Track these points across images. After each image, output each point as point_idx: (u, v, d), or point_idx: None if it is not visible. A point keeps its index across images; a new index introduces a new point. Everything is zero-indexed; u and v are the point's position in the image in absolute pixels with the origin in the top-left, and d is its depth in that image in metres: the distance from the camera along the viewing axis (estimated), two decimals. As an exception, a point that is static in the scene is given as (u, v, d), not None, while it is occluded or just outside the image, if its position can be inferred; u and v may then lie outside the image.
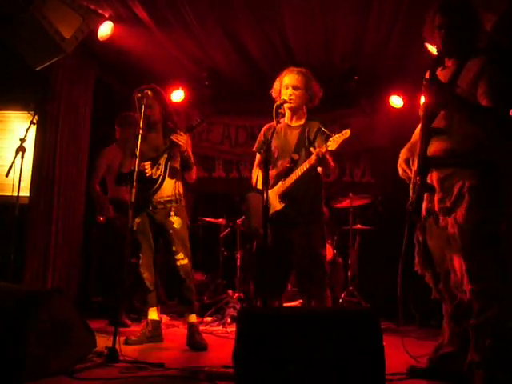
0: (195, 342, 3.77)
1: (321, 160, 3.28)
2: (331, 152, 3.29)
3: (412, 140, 3.03)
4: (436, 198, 2.68)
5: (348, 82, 6.32)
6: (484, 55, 2.61)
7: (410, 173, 2.87)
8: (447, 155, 2.62)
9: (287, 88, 3.56)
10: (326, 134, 3.53)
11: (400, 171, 2.95)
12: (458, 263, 2.57)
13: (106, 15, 4.79)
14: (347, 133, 3.28)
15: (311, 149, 3.41)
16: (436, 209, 2.69)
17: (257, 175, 3.81)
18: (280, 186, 3.51)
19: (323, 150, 3.27)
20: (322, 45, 5.76)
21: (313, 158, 3.31)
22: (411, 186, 2.84)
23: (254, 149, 3.85)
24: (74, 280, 5.67)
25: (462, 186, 2.55)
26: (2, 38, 4.44)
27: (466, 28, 2.69)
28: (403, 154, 2.99)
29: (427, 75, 2.70)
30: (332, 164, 3.40)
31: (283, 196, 3.49)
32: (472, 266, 2.48)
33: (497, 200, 2.51)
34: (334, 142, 3.28)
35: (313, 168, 3.37)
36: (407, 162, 2.93)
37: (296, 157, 3.53)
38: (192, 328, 3.87)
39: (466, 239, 2.50)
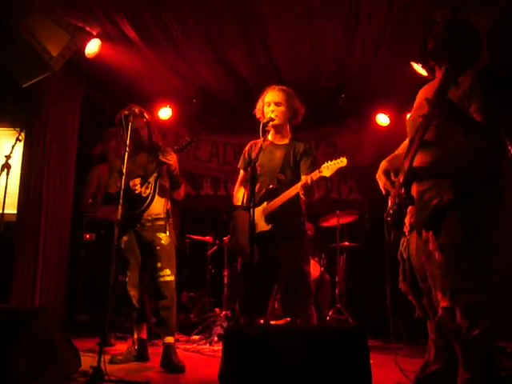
0: (171, 364, 3.65)
1: (306, 189, 3.29)
2: (324, 178, 3.30)
3: (395, 153, 3.03)
4: (414, 210, 2.69)
5: (335, 100, 6.38)
6: (474, 70, 2.61)
7: (388, 185, 2.87)
8: (432, 166, 2.61)
9: (269, 105, 3.59)
10: (311, 155, 3.55)
11: (380, 183, 2.95)
12: (438, 279, 2.56)
13: (94, 33, 4.81)
14: (343, 161, 3.29)
15: (302, 176, 3.40)
16: (413, 222, 2.69)
17: (241, 193, 3.81)
18: (265, 208, 3.51)
19: (313, 177, 3.27)
20: (309, 63, 5.81)
21: (298, 186, 3.32)
22: (391, 198, 2.83)
23: (239, 166, 3.87)
24: (61, 298, 5.62)
25: (440, 200, 2.54)
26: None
27: (461, 36, 2.70)
28: (383, 165, 2.96)
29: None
30: (316, 195, 3.42)
31: (269, 218, 3.49)
32: (452, 281, 2.47)
33: (475, 214, 2.49)
34: (328, 169, 3.28)
35: (297, 195, 3.39)
36: (386, 173, 2.92)
37: (281, 177, 3.54)
38: (168, 349, 3.76)
39: (446, 254, 2.49)
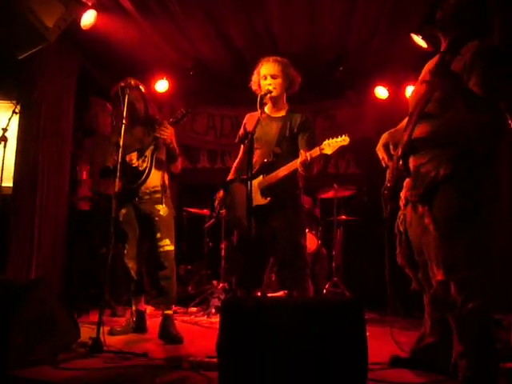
0: (170, 335, 3.69)
1: (305, 166, 3.27)
2: (325, 156, 3.27)
3: (397, 127, 3.02)
4: (410, 184, 2.69)
5: (333, 72, 6.32)
6: (477, 43, 2.56)
7: (386, 159, 2.87)
8: (431, 136, 2.60)
9: (266, 78, 3.55)
10: (309, 130, 3.52)
11: (379, 156, 2.94)
12: (433, 253, 2.57)
13: (89, 4, 4.72)
14: (346, 140, 3.26)
15: (301, 151, 3.35)
16: (409, 195, 2.69)
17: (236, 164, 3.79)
18: (261, 181, 3.50)
19: (312, 154, 3.25)
20: (307, 34, 5.75)
21: (298, 163, 3.30)
22: (389, 170, 2.83)
23: (237, 141, 3.84)
24: (58, 270, 5.64)
25: (436, 174, 2.54)
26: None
27: (471, 9, 2.66)
28: (383, 138, 2.95)
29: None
30: (314, 172, 3.40)
31: (265, 191, 3.48)
32: (447, 255, 2.48)
33: (471, 189, 2.48)
34: (329, 147, 3.25)
35: (296, 171, 3.37)
36: (386, 146, 2.91)
37: (278, 150, 3.52)
38: (166, 319, 3.80)
39: (441, 229, 2.50)
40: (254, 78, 3.66)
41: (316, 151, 3.26)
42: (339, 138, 3.27)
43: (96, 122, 4.72)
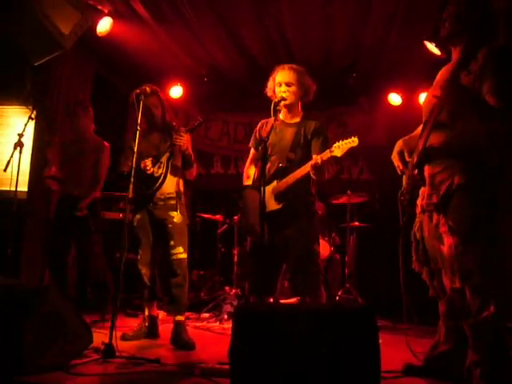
0: (181, 341, 3.69)
1: (316, 169, 3.27)
2: (335, 158, 3.27)
3: (412, 134, 3.01)
4: (425, 193, 2.68)
5: (346, 78, 6.32)
6: (488, 49, 2.54)
7: (401, 167, 2.86)
8: (444, 146, 2.59)
9: (280, 85, 3.55)
10: (323, 135, 3.52)
11: (394, 163, 2.93)
12: (447, 261, 2.56)
13: (105, 11, 4.78)
14: (355, 141, 3.25)
15: (313, 157, 3.35)
16: (424, 204, 2.69)
17: (251, 171, 3.79)
18: (275, 187, 3.50)
19: (323, 157, 3.25)
20: (320, 41, 5.76)
21: (309, 166, 3.30)
22: (405, 177, 2.83)
23: (250, 145, 3.84)
24: (71, 275, 5.66)
25: (451, 184, 2.53)
26: (1, 30, 4.44)
27: (473, 12, 2.65)
28: (398, 145, 2.94)
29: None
30: (326, 175, 3.40)
31: (279, 197, 3.48)
32: (462, 264, 2.47)
33: (486, 199, 2.48)
34: (339, 149, 3.25)
35: (308, 175, 3.36)
36: (400, 154, 2.90)
37: (291, 156, 3.52)
38: (178, 326, 3.80)
39: (457, 237, 2.49)
40: (270, 84, 3.66)
41: (326, 154, 3.26)
42: (348, 140, 3.27)
43: (77, 127, 4.73)
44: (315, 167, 3.25)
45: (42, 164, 5.21)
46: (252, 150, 3.83)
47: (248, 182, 3.76)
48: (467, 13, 2.65)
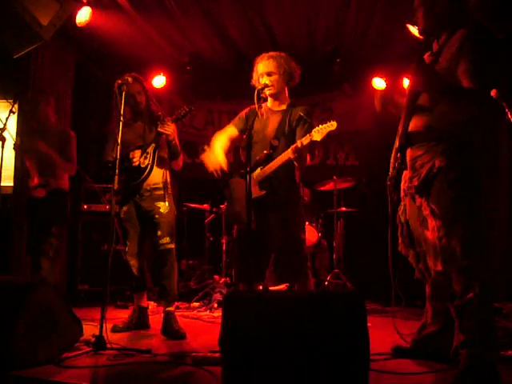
0: (172, 330, 3.70)
1: (298, 154, 3.27)
2: (315, 142, 3.27)
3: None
4: (407, 176, 2.70)
5: (330, 64, 6.31)
6: (463, 31, 2.56)
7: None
8: (424, 130, 2.61)
9: (262, 76, 3.53)
10: (308, 122, 3.51)
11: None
12: (431, 244, 2.58)
13: (84, 0, 4.71)
14: (333, 125, 3.25)
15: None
16: (406, 188, 2.71)
17: (219, 142, 3.73)
18: (259, 173, 3.49)
19: (303, 142, 3.25)
20: (304, 27, 5.74)
21: (289, 151, 3.29)
22: (391, 161, 2.85)
23: (231, 123, 3.78)
24: (60, 269, 5.64)
25: (431, 167, 2.55)
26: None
27: (444, 4, 2.68)
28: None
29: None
30: (307, 161, 3.41)
31: (262, 183, 3.48)
32: (445, 246, 2.49)
33: (467, 181, 2.50)
34: (318, 133, 3.25)
35: (289, 161, 3.36)
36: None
37: (275, 143, 3.50)
38: (169, 316, 3.80)
39: (439, 220, 2.51)
40: (254, 75, 3.63)
41: (306, 138, 3.27)
42: (327, 124, 3.27)
43: (39, 116, 4.63)
44: (295, 151, 3.25)
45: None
46: (230, 126, 3.73)
47: (211, 148, 3.70)
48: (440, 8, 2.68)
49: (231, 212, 3.75)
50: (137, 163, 3.84)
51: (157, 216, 3.89)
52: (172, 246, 3.89)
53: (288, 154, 3.32)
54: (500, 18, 3.39)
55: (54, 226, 4.51)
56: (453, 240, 2.47)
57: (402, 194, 2.82)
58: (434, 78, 2.55)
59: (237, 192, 3.59)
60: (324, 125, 3.27)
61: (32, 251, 4.57)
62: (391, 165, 2.85)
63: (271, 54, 3.57)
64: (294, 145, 3.27)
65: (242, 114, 3.74)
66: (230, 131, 3.74)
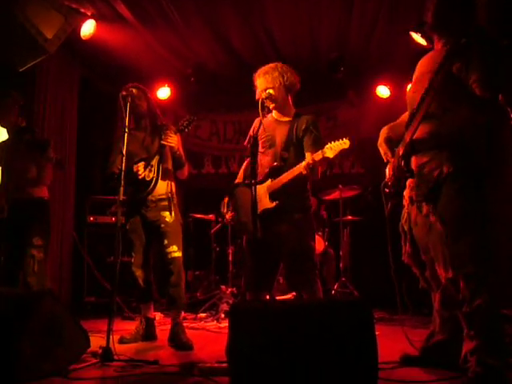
0: (180, 341, 3.69)
1: (311, 169, 3.27)
2: (327, 159, 3.27)
3: (396, 121, 3.01)
4: (414, 184, 2.68)
5: (334, 73, 6.33)
6: (474, 40, 2.55)
7: (389, 154, 2.86)
8: (431, 137, 2.59)
9: (263, 92, 3.54)
10: (314, 132, 3.51)
11: (381, 151, 2.93)
12: (440, 251, 2.56)
13: (89, 13, 4.76)
14: (346, 143, 3.23)
15: (306, 154, 3.35)
16: (414, 195, 2.69)
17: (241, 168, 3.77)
18: (270, 185, 3.49)
19: (315, 158, 3.25)
20: (307, 37, 5.76)
21: (302, 166, 3.29)
22: (389, 167, 2.83)
23: (246, 143, 3.81)
24: (66, 281, 5.66)
25: (440, 173, 2.54)
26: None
27: (458, 7, 2.66)
28: (384, 132, 2.93)
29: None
30: (319, 175, 3.40)
31: (273, 195, 3.48)
32: (454, 253, 2.48)
33: (475, 188, 2.48)
34: (331, 150, 3.23)
35: (302, 175, 3.36)
36: (387, 140, 2.90)
37: (285, 155, 3.51)
38: (176, 326, 3.80)
39: (447, 227, 2.50)
40: (257, 91, 3.65)
41: (319, 155, 3.26)
42: (340, 142, 3.26)
43: (9, 122, 4.47)
44: (308, 167, 3.26)
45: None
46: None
47: (239, 180, 3.75)
48: (447, 5, 2.67)
49: (237, 222, 3.74)
50: (142, 176, 3.85)
51: (163, 225, 3.89)
52: (179, 254, 3.89)
53: (300, 168, 3.31)
54: (505, 22, 3.38)
55: (34, 237, 4.21)
56: (461, 247, 2.45)
57: (405, 202, 2.81)
58: (455, 81, 2.52)
59: (243, 201, 3.58)
60: (337, 142, 3.26)
61: (10, 264, 4.23)
62: (389, 170, 2.84)
63: (265, 69, 3.57)
64: (306, 162, 3.26)
65: (251, 131, 3.74)
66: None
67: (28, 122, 4.50)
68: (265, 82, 3.53)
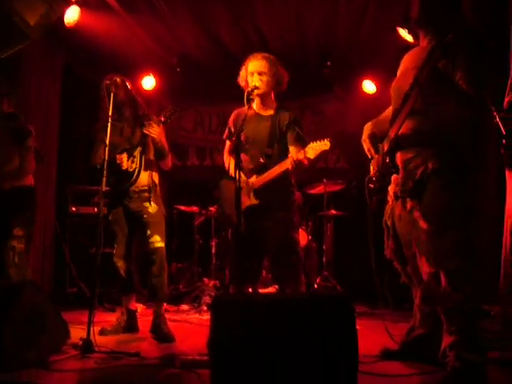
0: (161, 333, 3.69)
1: (296, 167, 3.27)
2: (308, 159, 3.27)
3: (380, 117, 3.02)
4: (399, 180, 2.69)
5: (321, 67, 6.33)
6: (460, 37, 2.55)
7: (372, 150, 2.87)
8: (415, 134, 2.60)
9: (253, 75, 3.52)
10: (297, 127, 3.51)
11: (365, 147, 2.94)
12: (423, 246, 2.57)
13: (73, 0, 4.68)
14: (327, 145, 3.25)
15: (289, 155, 3.36)
16: (398, 191, 2.70)
17: (229, 162, 3.77)
18: (254, 182, 3.49)
19: (299, 157, 3.25)
20: (294, 31, 5.74)
21: (288, 163, 3.30)
22: (373, 162, 2.84)
23: (224, 136, 3.82)
24: (48, 271, 5.61)
25: (424, 169, 2.55)
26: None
27: (444, 2, 2.66)
28: (367, 128, 2.95)
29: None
30: (303, 170, 3.41)
31: (257, 191, 3.47)
32: (438, 249, 2.49)
33: (460, 183, 2.50)
34: (312, 150, 3.25)
35: (288, 170, 3.36)
36: (371, 137, 2.91)
37: (270, 152, 3.51)
38: (158, 318, 3.79)
39: (432, 222, 2.51)
40: (242, 73, 3.63)
41: (301, 154, 3.27)
42: (321, 142, 3.26)
43: None
44: (294, 164, 3.27)
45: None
46: (227, 142, 3.80)
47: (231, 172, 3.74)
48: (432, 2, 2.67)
49: (222, 214, 3.74)
50: (125, 167, 3.82)
51: (145, 216, 3.86)
52: (162, 244, 3.86)
53: (285, 165, 3.32)
54: (492, 23, 3.40)
55: (15, 228, 4.05)
56: (445, 242, 2.47)
57: (390, 197, 2.82)
58: (443, 77, 2.52)
59: (227, 194, 3.57)
60: (319, 142, 3.27)
61: None
62: (373, 166, 2.85)
63: (264, 54, 3.58)
64: (291, 161, 3.28)
65: (230, 123, 3.76)
66: (229, 148, 3.80)
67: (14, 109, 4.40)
68: (261, 65, 3.52)
